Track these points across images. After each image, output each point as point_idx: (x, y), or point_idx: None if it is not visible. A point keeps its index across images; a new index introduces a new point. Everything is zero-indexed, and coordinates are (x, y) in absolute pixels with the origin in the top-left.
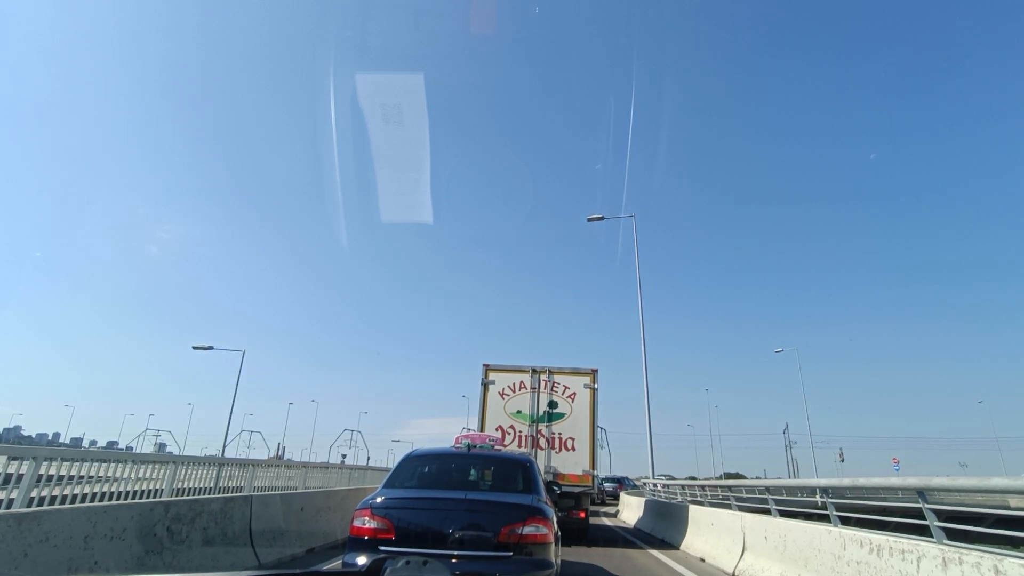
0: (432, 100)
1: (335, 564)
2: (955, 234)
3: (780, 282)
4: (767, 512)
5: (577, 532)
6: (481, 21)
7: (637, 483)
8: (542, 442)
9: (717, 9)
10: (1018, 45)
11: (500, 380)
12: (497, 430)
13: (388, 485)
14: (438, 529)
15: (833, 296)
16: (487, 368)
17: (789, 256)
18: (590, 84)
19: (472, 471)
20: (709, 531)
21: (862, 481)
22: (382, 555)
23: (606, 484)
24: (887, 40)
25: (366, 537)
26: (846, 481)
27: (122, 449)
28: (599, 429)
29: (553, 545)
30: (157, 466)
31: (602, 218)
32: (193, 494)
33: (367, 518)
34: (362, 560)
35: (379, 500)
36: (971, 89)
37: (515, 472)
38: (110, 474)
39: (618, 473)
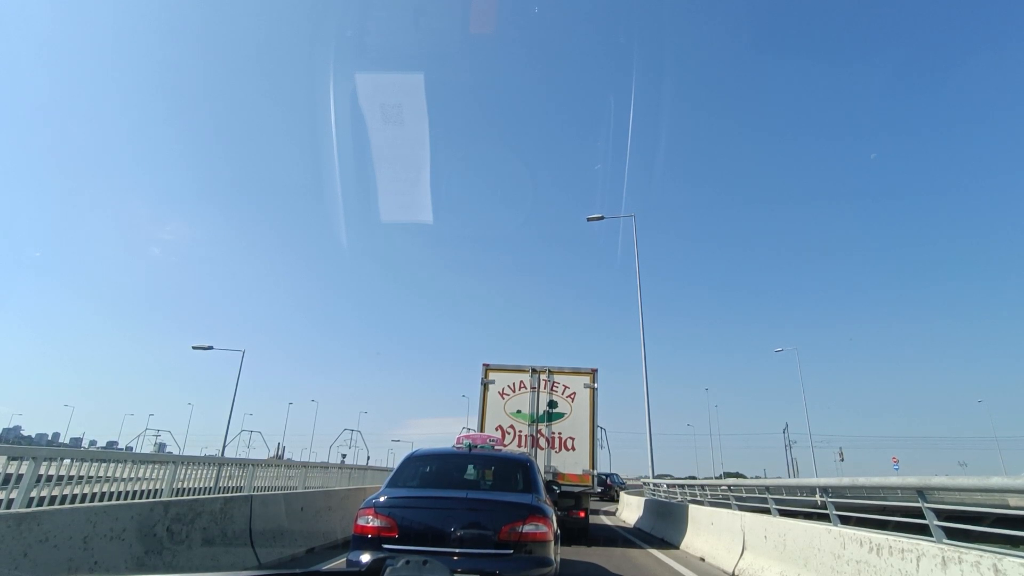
0: (432, 100)
1: (335, 563)
2: (955, 233)
3: (780, 282)
4: (767, 511)
5: (577, 531)
6: (481, 21)
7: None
8: (542, 442)
9: (717, 9)
10: (1017, 45)
11: (500, 380)
12: (497, 430)
13: (391, 484)
14: (440, 528)
15: (833, 296)
16: (487, 368)
17: (789, 256)
18: (590, 84)
19: (473, 471)
20: (709, 530)
21: (862, 480)
22: (384, 554)
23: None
24: (887, 40)
25: (370, 535)
26: (846, 480)
27: (122, 449)
28: (599, 429)
29: (552, 543)
30: (157, 466)
31: (602, 218)
32: (193, 494)
33: (371, 516)
34: (366, 558)
35: (383, 499)
36: (970, 89)
37: (515, 472)
38: (110, 474)
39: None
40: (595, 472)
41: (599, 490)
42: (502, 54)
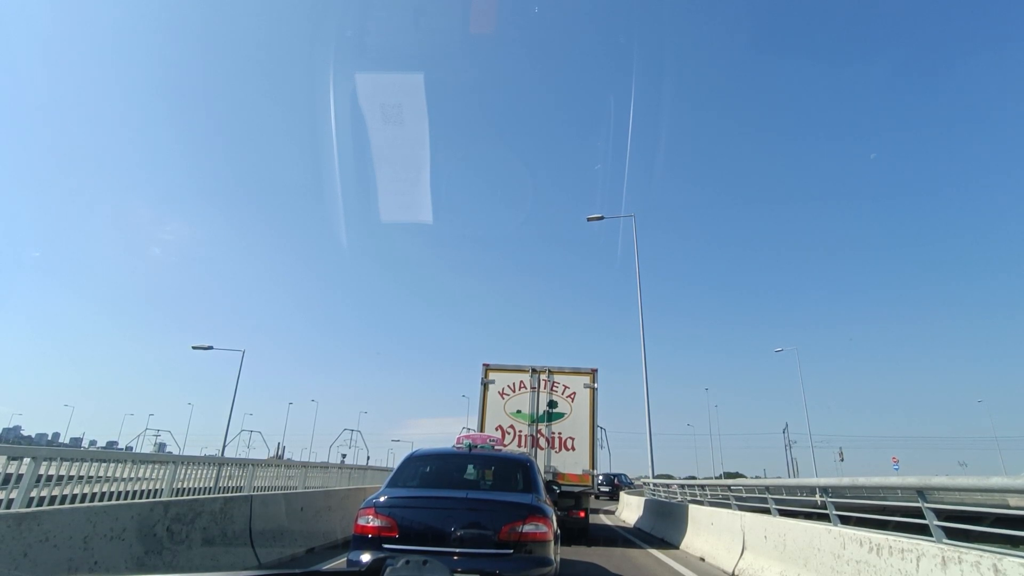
0: (432, 100)
1: (335, 563)
2: (955, 233)
3: (780, 282)
4: (767, 511)
5: (577, 531)
6: (481, 21)
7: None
8: (542, 442)
9: (717, 9)
10: (1017, 45)
11: (500, 380)
12: (497, 430)
13: (391, 484)
14: (440, 528)
15: (833, 296)
16: (487, 368)
17: (789, 256)
18: (590, 84)
19: (473, 471)
20: (709, 530)
21: (862, 480)
22: (384, 554)
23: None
24: (887, 40)
25: (370, 535)
26: (846, 480)
27: (122, 449)
28: (599, 429)
29: (552, 543)
30: (157, 466)
31: (602, 217)
32: (193, 494)
33: (371, 516)
34: (366, 557)
35: (383, 499)
36: (971, 88)
37: (515, 472)
38: (110, 474)
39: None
40: (595, 472)
41: (607, 489)
42: (502, 54)
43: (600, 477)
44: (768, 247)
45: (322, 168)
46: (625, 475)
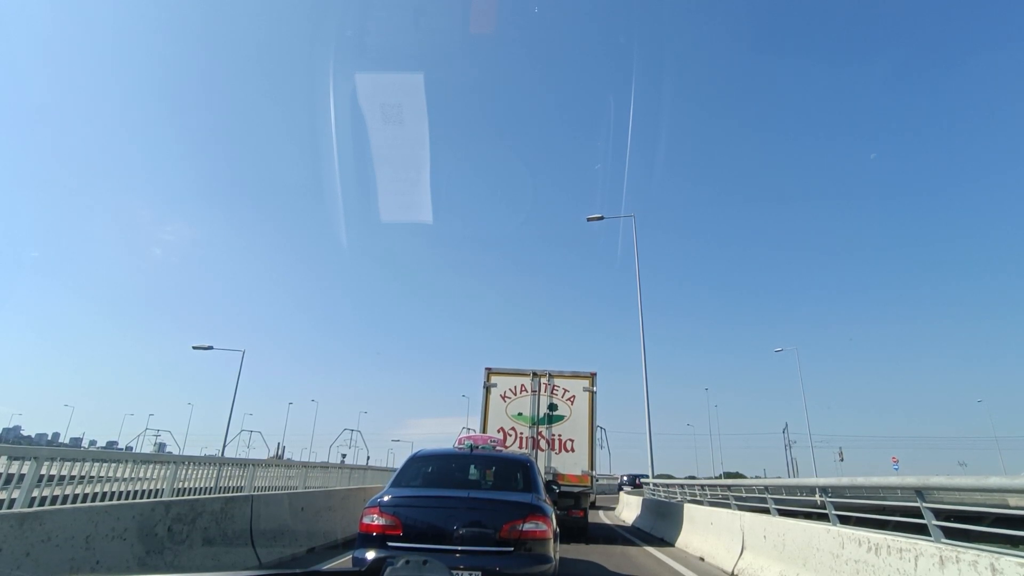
0: (432, 100)
1: (336, 563)
2: (955, 233)
3: (780, 282)
4: (766, 511)
5: (576, 531)
6: (481, 21)
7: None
8: (542, 443)
9: (717, 9)
10: (1017, 45)
11: (502, 383)
12: (498, 431)
13: (395, 484)
14: (442, 526)
15: (833, 296)
16: (489, 371)
17: (789, 256)
18: (590, 84)
19: (474, 471)
20: (708, 530)
21: (861, 480)
22: (387, 553)
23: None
24: (887, 39)
25: (375, 533)
26: (845, 480)
27: (122, 449)
28: (598, 429)
29: (552, 541)
30: (157, 466)
31: (602, 218)
32: (193, 494)
33: (376, 515)
34: (371, 555)
35: (387, 498)
36: (971, 88)
37: (515, 472)
38: (110, 474)
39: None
40: (594, 473)
41: (627, 488)
42: (502, 54)
43: (624, 477)
44: (768, 247)
45: (322, 168)
46: (645, 475)
